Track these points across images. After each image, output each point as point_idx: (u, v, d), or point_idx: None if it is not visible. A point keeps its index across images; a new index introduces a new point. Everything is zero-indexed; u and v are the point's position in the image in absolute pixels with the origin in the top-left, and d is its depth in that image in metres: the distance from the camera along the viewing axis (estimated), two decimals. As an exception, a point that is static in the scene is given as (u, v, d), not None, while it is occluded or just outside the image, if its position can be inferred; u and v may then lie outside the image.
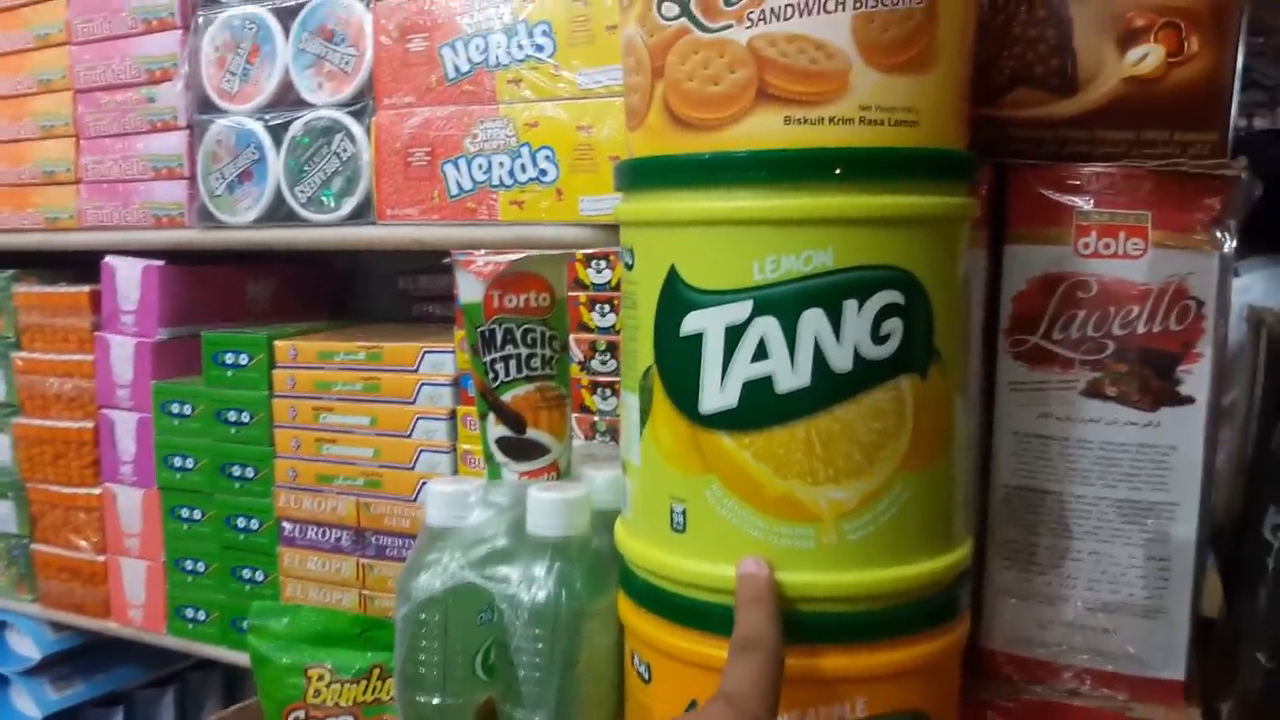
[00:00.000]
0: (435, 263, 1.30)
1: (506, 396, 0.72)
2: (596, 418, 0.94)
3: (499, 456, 0.74)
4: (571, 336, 0.94)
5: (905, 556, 0.57)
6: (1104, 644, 0.74)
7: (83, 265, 1.29)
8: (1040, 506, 0.75)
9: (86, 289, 1.27)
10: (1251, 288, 1.99)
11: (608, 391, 0.93)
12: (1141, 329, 0.71)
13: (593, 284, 0.93)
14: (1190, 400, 0.71)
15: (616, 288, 0.91)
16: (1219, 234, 0.70)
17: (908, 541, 0.57)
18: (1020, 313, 0.74)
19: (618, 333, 0.92)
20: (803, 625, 0.56)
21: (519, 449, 0.73)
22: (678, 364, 0.58)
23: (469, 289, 0.72)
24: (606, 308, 0.92)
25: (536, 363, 0.72)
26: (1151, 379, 0.71)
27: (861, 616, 0.57)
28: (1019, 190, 0.73)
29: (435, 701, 0.70)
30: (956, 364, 0.59)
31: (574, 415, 0.95)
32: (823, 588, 0.56)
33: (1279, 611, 0.62)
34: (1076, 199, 0.72)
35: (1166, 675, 0.73)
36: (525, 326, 0.71)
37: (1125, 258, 0.71)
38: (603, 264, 0.91)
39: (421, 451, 1.05)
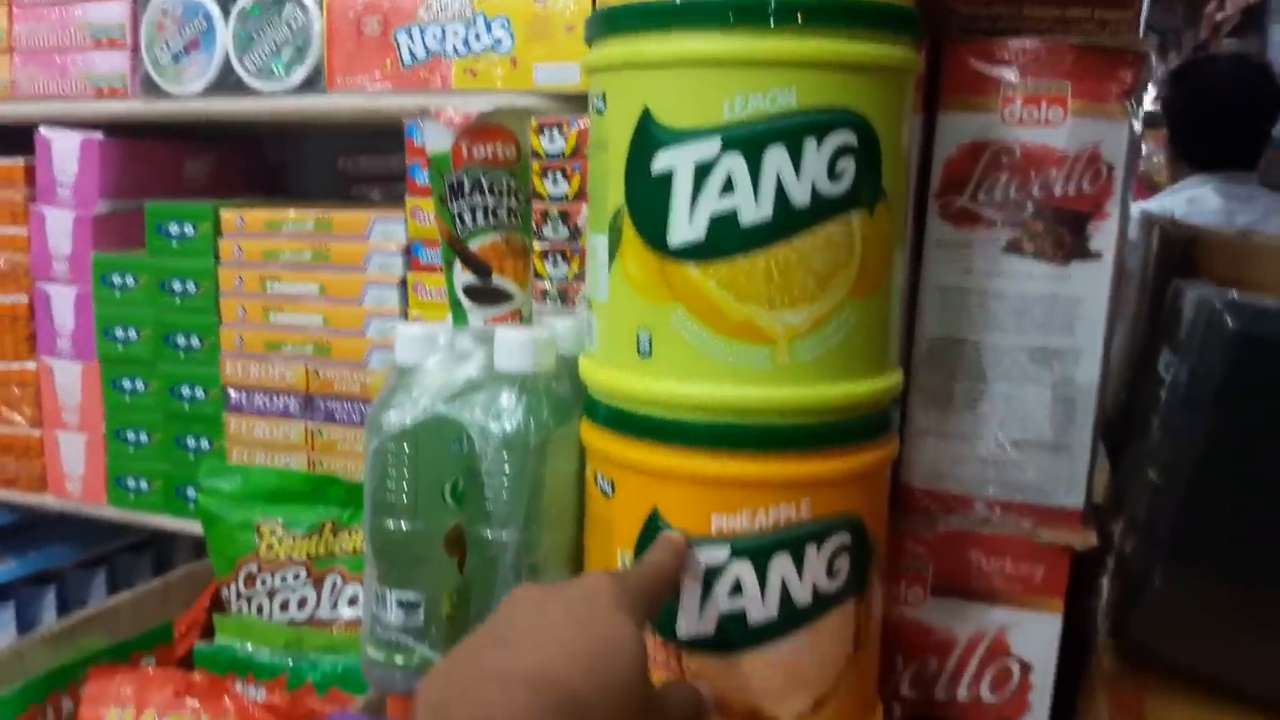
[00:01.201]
0: (376, 143, 1.32)
1: (473, 245, 0.76)
2: (548, 284, 0.98)
3: (465, 303, 0.78)
4: (523, 204, 0.98)
5: (848, 376, 0.64)
6: (1013, 477, 0.82)
7: (15, 138, 1.28)
8: (960, 355, 0.82)
9: (21, 161, 1.26)
10: (1205, 199, 2.05)
11: (559, 258, 0.97)
12: (1058, 191, 0.78)
13: (546, 153, 0.96)
14: (1098, 256, 0.78)
15: (570, 156, 0.95)
16: (1130, 104, 0.77)
17: (851, 363, 0.64)
18: (949, 177, 0.80)
19: (570, 200, 0.96)
20: (758, 435, 0.63)
21: (485, 295, 0.78)
22: (648, 201, 0.63)
23: (437, 139, 0.75)
24: (559, 175, 0.96)
25: (502, 213, 0.76)
26: (1065, 236, 0.79)
27: (809, 428, 0.63)
28: (952, 62, 0.79)
29: (405, 528, 0.75)
30: (899, 205, 0.65)
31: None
32: (776, 402, 0.62)
33: (1168, 434, 0.70)
34: (1004, 70, 0.78)
35: (1068, 504, 0.81)
36: (492, 177, 0.75)
37: (1046, 125, 0.77)
38: (555, 132, 0.95)
39: (372, 318, 1.08)
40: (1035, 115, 0.78)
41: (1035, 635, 0.82)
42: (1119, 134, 0.77)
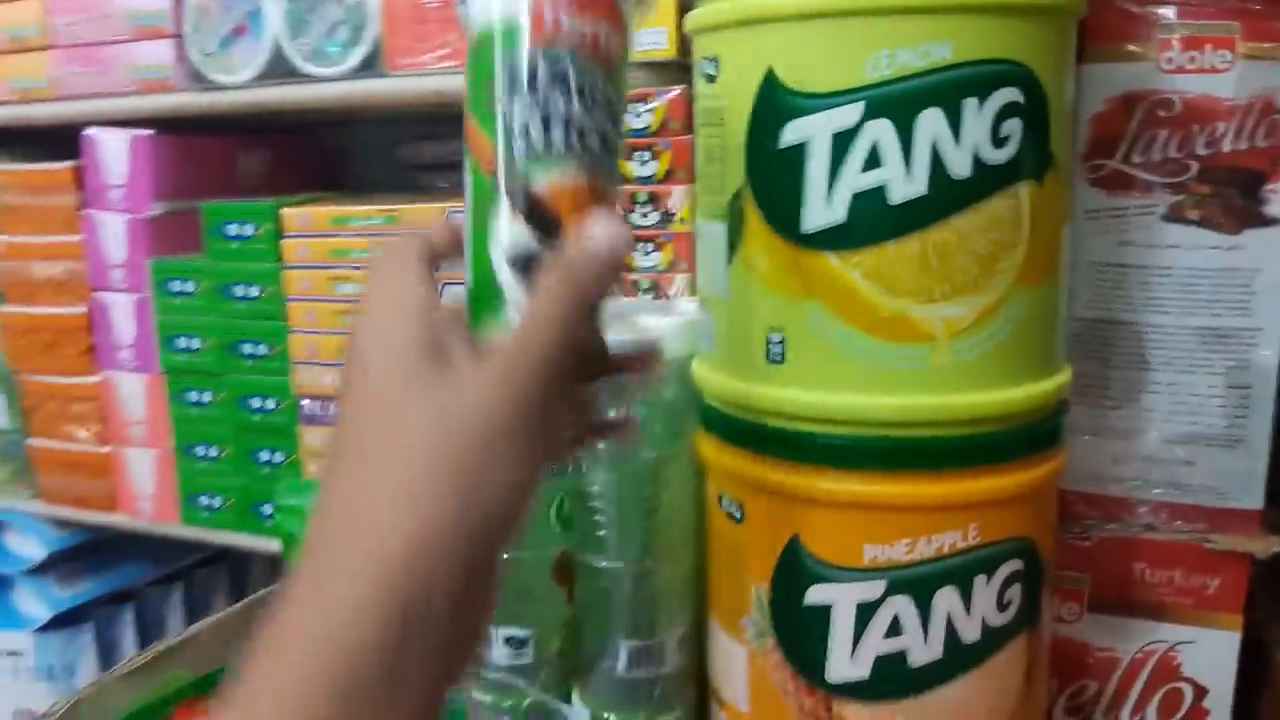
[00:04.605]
0: (440, 129, 1.24)
1: (539, 180, 0.42)
2: (638, 275, 0.90)
3: (506, 279, 0.44)
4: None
5: (1018, 377, 0.55)
6: (1181, 476, 0.73)
7: (61, 140, 1.21)
8: (1115, 338, 0.73)
9: (68, 165, 1.20)
10: None
11: (650, 246, 0.89)
12: (1227, 147, 0.68)
13: (631, 129, 0.87)
14: (1276, 221, 0.68)
15: (657, 133, 0.86)
16: (1312, 43, 0.67)
17: (1021, 361, 0.55)
18: (1098, 136, 0.71)
19: (659, 182, 0.87)
20: (917, 451, 0.54)
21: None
22: (776, 180, 0.54)
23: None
24: (647, 155, 0.87)
25: (593, 139, 0.43)
26: (1236, 200, 0.69)
27: (976, 440, 0.55)
28: (1098, 4, 0.69)
29: (509, 556, 0.68)
30: (1067, 172, 0.56)
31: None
32: (937, 410, 0.54)
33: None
34: (1160, 10, 0.68)
35: (1245, 505, 0.72)
36: (587, 71, 0.42)
37: (1211, 72, 0.68)
38: (641, 107, 0.86)
39: (446, 318, 1.00)
40: (1198, 61, 0.68)
41: (1210, 655, 0.73)
42: (1300, 77, 0.67)
